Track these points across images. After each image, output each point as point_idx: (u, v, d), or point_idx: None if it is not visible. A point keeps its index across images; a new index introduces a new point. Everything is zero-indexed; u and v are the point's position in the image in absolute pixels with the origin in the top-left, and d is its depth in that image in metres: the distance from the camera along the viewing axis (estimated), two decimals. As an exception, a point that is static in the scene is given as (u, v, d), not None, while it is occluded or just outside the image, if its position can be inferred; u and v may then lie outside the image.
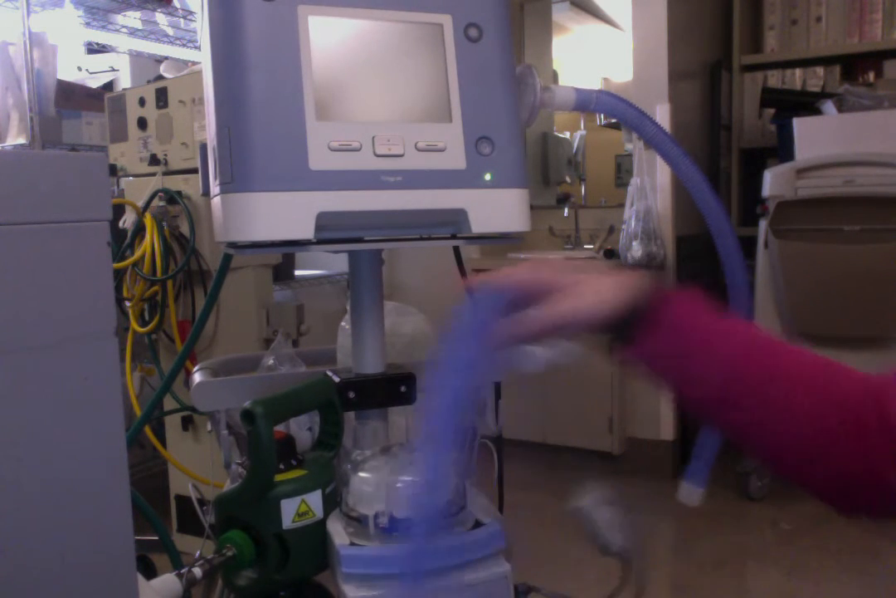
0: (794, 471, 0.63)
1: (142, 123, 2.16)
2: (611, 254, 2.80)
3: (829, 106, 2.58)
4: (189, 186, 2.06)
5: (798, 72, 3.10)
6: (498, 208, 0.77)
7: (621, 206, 2.80)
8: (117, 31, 2.66)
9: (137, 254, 2.00)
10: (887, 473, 0.56)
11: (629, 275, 0.68)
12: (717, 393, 0.63)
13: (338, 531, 0.75)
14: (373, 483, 0.72)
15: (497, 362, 0.68)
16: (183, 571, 0.73)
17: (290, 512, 0.77)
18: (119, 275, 2.06)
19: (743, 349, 0.64)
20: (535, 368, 0.67)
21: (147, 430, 2.15)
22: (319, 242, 0.73)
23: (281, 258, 2.38)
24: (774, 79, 3.14)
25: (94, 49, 2.81)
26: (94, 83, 2.86)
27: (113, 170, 2.20)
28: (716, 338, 0.64)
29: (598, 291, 0.66)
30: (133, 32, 2.70)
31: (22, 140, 2.38)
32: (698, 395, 0.64)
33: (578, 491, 0.70)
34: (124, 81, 2.93)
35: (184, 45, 2.86)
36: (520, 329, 0.65)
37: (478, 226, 0.76)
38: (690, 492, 1.03)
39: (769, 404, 0.61)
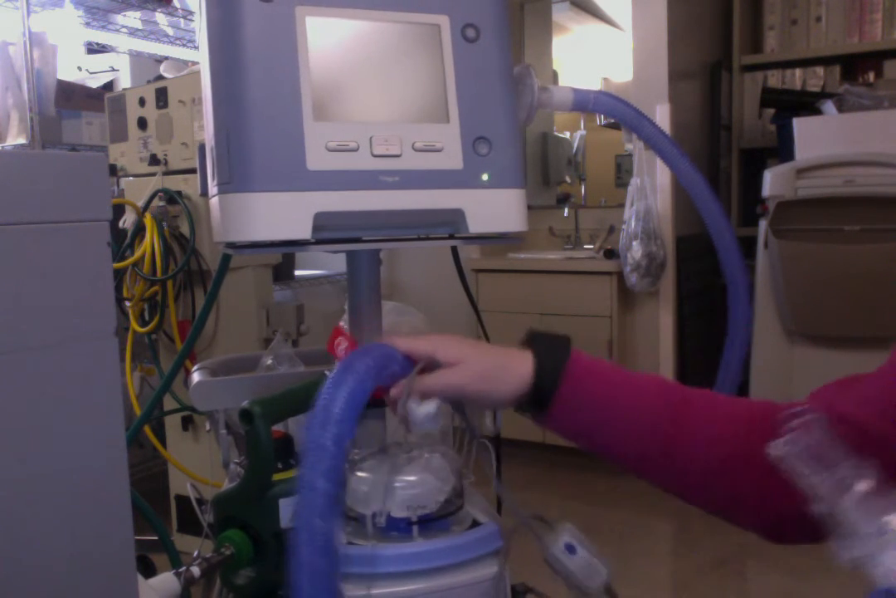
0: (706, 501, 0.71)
1: (142, 123, 2.16)
2: (611, 254, 2.81)
3: (829, 106, 2.58)
4: (189, 186, 2.06)
5: (798, 72, 3.10)
6: (495, 208, 0.77)
7: (621, 206, 2.80)
8: (117, 31, 2.66)
9: (137, 254, 2.00)
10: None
11: (517, 352, 0.71)
12: (634, 450, 0.70)
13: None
14: (371, 483, 0.72)
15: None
16: (181, 570, 0.73)
17: (288, 511, 0.77)
18: (119, 275, 2.06)
19: (650, 411, 0.69)
20: (428, 426, 0.70)
21: (147, 430, 2.15)
22: (317, 242, 0.73)
23: (281, 258, 2.38)
24: (774, 79, 3.14)
25: (94, 49, 2.82)
26: (94, 83, 2.86)
27: (113, 170, 2.20)
28: (620, 410, 0.69)
29: (490, 371, 0.69)
30: (133, 32, 2.71)
31: (22, 140, 2.39)
32: (615, 453, 0.71)
33: (546, 536, 0.70)
34: (124, 81, 2.94)
35: (184, 45, 2.86)
36: (416, 388, 0.68)
37: (475, 226, 0.77)
38: None
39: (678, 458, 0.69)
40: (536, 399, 0.69)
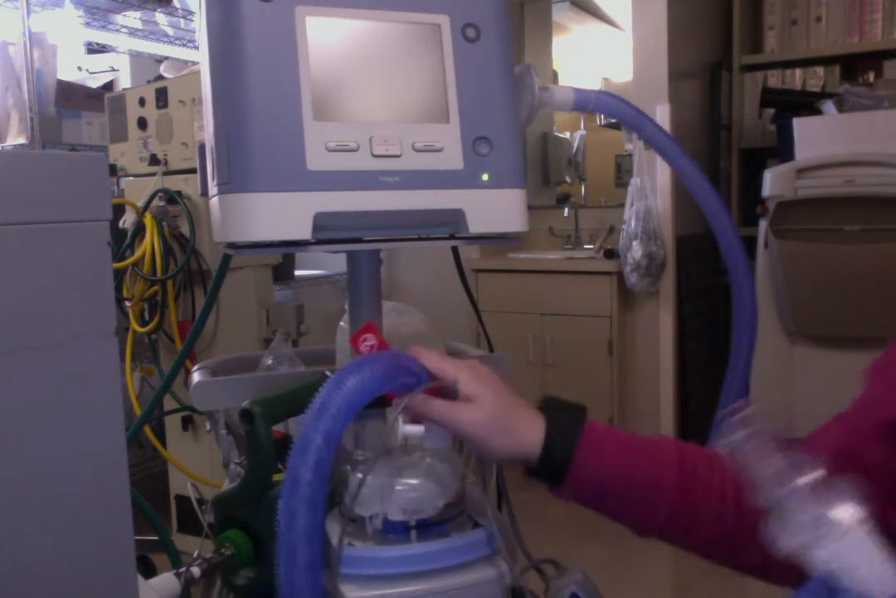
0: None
1: (142, 123, 2.16)
2: (611, 254, 2.81)
3: (829, 106, 2.58)
4: (189, 186, 2.06)
5: (798, 72, 3.10)
6: (496, 209, 0.77)
7: (621, 206, 2.80)
8: (117, 31, 2.66)
9: (137, 254, 2.00)
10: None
11: (533, 412, 0.71)
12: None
13: (336, 532, 0.75)
14: (370, 485, 0.72)
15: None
16: (182, 570, 0.73)
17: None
18: (119, 275, 2.06)
19: (671, 478, 0.68)
20: (438, 443, 0.71)
21: (147, 430, 2.15)
22: (317, 242, 0.73)
23: (281, 258, 2.38)
24: (774, 79, 3.14)
25: (94, 49, 2.82)
26: (94, 83, 2.86)
27: (113, 170, 2.20)
28: (633, 485, 0.69)
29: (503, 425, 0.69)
30: (133, 32, 2.71)
31: (22, 140, 2.39)
32: (629, 523, 0.71)
33: (555, 581, 0.69)
34: (124, 81, 2.94)
35: (184, 45, 2.86)
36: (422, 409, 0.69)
37: (476, 226, 0.76)
38: None
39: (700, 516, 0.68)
40: (546, 469, 0.69)
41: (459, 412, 0.68)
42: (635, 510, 0.69)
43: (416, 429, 0.70)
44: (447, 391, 0.70)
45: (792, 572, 0.58)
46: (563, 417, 0.71)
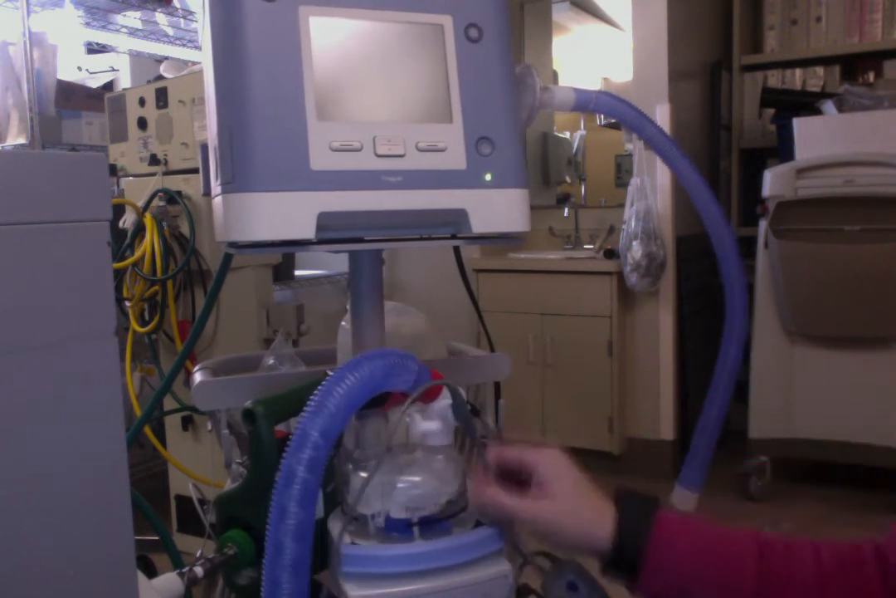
0: None
1: (142, 123, 2.16)
2: (611, 254, 2.81)
3: (829, 106, 2.58)
4: (189, 186, 2.06)
5: (798, 72, 3.10)
6: (498, 209, 0.77)
7: (621, 206, 2.80)
8: (117, 31, 2.66)
9: (137, 254, 2.00)
10: None
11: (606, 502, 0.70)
12: None
13: (338, 531, 0.75)
14: (373, 482, 0.72)
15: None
16: (184, 570, 0.73)
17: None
18: (119, 275, 2.06)
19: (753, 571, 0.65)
20: (432, 441, 0.72)
21: (147, 430, 2.15)
22: (320, 242, 0.73)
23: (281, 258, 2.38)
24: (774, 79, 3.14)
25: (94, 49, 2.82)
26: (94, 83, 2.86)
27: (113, 170, 2.20)
28: (711, 580, 0.65)
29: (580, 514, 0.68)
30: (133, 32, 2.71)
31: (22, 140, 2.39)
32: None
33: (550, 572, 0.69)
34: (124, 81, 2.94)
35: (184, 45, 2.86)
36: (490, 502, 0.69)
37: (478, 226, 0.76)
38: (684, 497, 1.03)
39: None
40: (619, 564, 0.67)
41: (534, 503, 0.68)
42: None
43: (429, 425, 0.70)
44: (520, 477, 0.71)
45: None
46: (633, 509, 0.69)
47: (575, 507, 0.68)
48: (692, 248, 2.91)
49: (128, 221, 2.08)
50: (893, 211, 2.30)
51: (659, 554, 0.65)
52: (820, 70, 3.07)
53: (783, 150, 2.74)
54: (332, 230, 0.73)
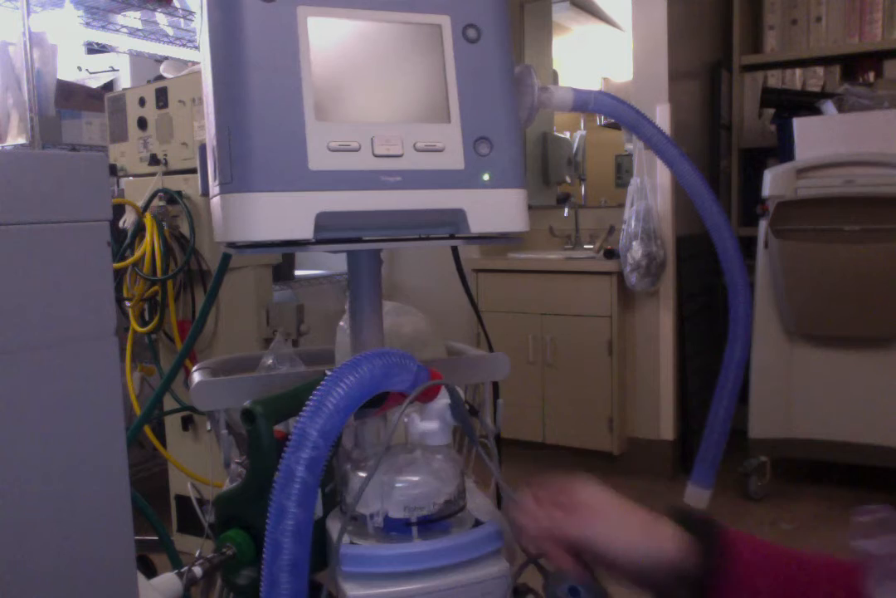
0: None
1: (142, 123, 2.16)
2: (611, 254, 2.81)
3: (829, 106, 2.59)
4: (189, 186, 2.06)
5: (798, 72, 3.10)
6: (496, 208, 0.77)
7: (621, 206, 2.80)
8: (117, 31, 2.66)
9: (137, 254, 2.00)
10: None
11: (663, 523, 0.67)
12: None
13: (337, 531, 0.75)
14: (373, 483, 0.72)
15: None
16: (183, 570, 0.73)
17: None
18: (119, 275, 2.06)
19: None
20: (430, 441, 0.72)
21: (147, 430, 2.15)
22: (319, 242, 0.73)
23: (281, 258, 2.38)
24: (774, 79, 3.14)
25: (94, 49, 2.82)
26: (94, 83, 2.86)
27: (113, 170, 2.20)
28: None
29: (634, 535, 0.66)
30: (133, 32, 2.71)
31: (22, 140, 2.39)
32: None
33: (552, 575, 0.68)
34: (124, 81, 2.94)
35: (184, 45, 2.86)
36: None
37: (476, 226, 0.77)
38: (697, 494, 1.03)
39: None
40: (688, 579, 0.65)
41: (581, 519, 0.67)
42: None
43: (431, 425, 0.70)
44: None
45: None
46: (696, 521, 0.67)
47: (622, 519, 0.67)
48: (692, 248, 2.91)
49: (128, 221, 2.08)
50: (893, 211, 2.30)
51: (739, 561, 0.64)
52: (820, 70, 3.07)
53: (783, 150, 2.74)
54: (330, 230, 0.73)
